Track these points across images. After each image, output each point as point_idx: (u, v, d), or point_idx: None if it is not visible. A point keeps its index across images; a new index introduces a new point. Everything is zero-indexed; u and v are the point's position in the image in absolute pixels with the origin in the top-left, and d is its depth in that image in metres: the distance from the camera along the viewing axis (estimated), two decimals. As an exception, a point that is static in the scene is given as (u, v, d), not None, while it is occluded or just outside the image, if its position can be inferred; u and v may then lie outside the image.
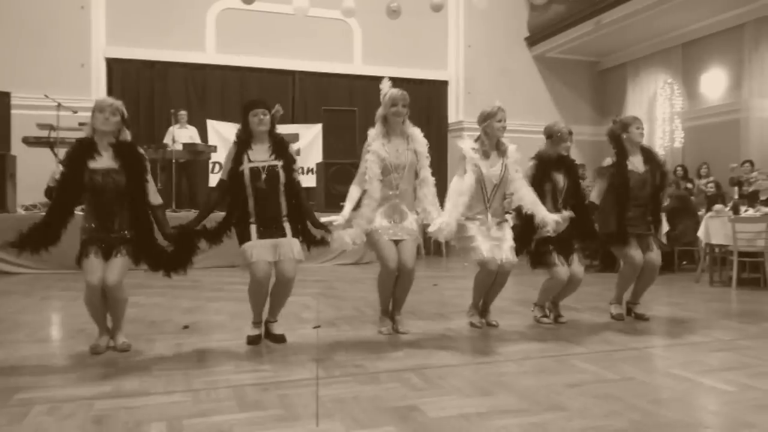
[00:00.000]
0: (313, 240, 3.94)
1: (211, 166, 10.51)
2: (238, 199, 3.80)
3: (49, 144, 8.50)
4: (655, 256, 4.72)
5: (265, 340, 3.97)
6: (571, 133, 4.57)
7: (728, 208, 7.24)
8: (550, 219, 4.21)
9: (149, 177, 3.70)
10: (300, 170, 10.30)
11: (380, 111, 4.10)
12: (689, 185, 9.74)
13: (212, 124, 10.58)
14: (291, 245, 3.79)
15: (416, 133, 4.16)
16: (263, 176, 3.75)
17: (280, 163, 3.81)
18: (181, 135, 9.77)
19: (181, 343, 3.89)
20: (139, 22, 10.73)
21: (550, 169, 4.51)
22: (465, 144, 4.33)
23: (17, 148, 8.61)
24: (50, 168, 5.10)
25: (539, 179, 4.49)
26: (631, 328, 4.46)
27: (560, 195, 4.50)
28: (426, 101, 12.21)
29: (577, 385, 2.97)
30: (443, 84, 12.61)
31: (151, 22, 10.77)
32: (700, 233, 7.20)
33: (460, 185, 4.17)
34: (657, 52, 11.68)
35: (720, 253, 7.26)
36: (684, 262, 8.72)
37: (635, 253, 4.62)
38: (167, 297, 5.69)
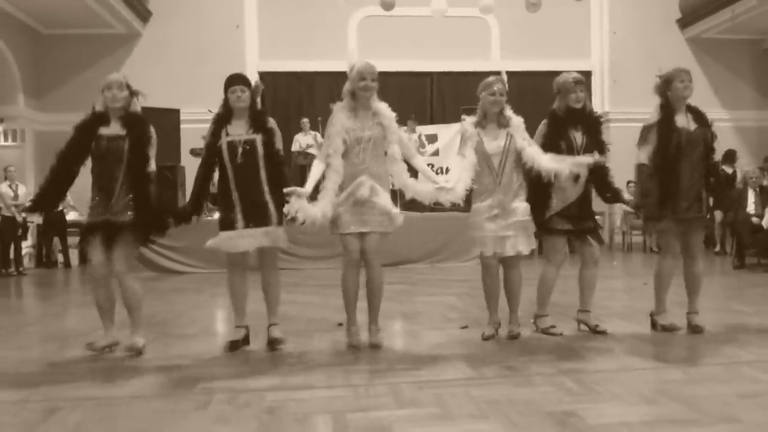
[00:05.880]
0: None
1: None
2: (220, 174, 3.82)
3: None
4: (698, 250, 4.10)
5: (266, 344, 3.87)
6: (578, 82, 4.03)
7: None
8: (548, 167, 3.77)
9: (152, 146, 3.76)
10: (439, 170, 10.45)
11: (347, 86, 3.84)
12: None
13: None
14: (276, 234, 3.77)
15: (383, 107, 3.88)
16: (240, 150, 3.73)
17: (259, 137, 3.78)
18: (306, 140, 10.71)
19: (337, 340, 4.09)
20: (287, 36, 11.43)
21: (564, 125, 4.07)
22: (467, 120, 4.03)
23: (186, 159, 9.53)
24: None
25: (551, 137, 4.07)
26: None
27: (579, 154, 4.00)
28: (568, 93, 11.80)
29: (751, 396, 2.74)
30: (586, 74, 12.08)
31: (298, 34, 11.42)
32: None
33: (462, 163, 3.89)
34: (837, 23, 10.40)
35: None
36: None
37: (672, 243, 4.08)
38: (320, 296, 6.02)
